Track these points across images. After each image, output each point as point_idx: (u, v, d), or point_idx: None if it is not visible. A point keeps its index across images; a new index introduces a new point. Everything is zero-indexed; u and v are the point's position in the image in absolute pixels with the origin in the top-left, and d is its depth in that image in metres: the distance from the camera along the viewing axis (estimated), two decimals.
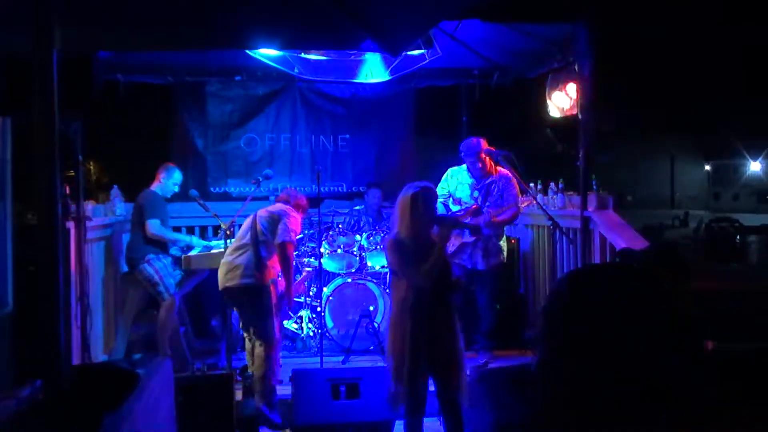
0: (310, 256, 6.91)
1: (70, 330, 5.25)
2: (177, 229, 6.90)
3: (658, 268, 2.70)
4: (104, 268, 6.46)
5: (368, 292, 6.76)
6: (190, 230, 7.38)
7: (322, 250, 6.69)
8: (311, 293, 6.88)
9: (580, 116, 5.90)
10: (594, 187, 5.95)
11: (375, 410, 5.06)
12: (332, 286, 6.76)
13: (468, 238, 5.99)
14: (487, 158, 6.07)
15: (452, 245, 5.91)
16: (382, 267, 6.96)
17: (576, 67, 5.91)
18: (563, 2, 5.72)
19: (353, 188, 8.21)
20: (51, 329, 2.55)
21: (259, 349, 5.41)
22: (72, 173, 5.55)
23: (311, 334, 6.81)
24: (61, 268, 2.59)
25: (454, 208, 6.11)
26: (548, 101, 6.89)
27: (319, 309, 6.61)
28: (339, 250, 6.86)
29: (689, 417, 2.37)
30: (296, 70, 6.92)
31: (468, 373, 4.20)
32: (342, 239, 6.89)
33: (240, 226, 5.73)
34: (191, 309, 6.78)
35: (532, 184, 6.87)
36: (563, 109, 6.69)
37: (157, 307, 6.37)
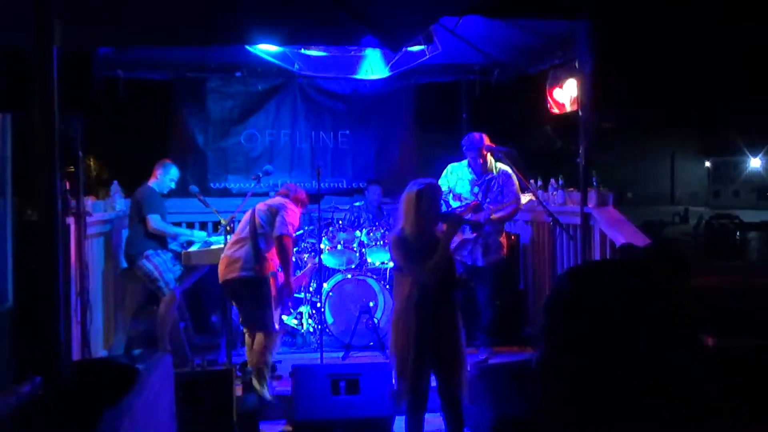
0: (310, 252, 6.91)
1: (70, 326, 5.26)
2: (177, 225, 6.91)
3: (658, 265, 2.69)
4: (104, 263, 6.46)
5: (368, 288, 6.76)
6: (190, 226, 7.37)
7: (322, 246, 6.69)
8: (311, 289, 6.89)
9: (580, 113, 5.89)
10: (594, 183, 5.95)
11: (375, 406, 5.07)
12: (332, 282, 6.76)
13: (468, 235, 5.99)
14: (488, 154, 6.07)
15: (453, 241, 5.91)
16: (382, 263, 6.96)
17: (576, 64, 5.91)
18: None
19: (353, 184, 8.21)
20: (51, 325, 2.55)
21: (259, 337, 5.45)
22: (72, 169, 5.55)
23: (311, 330, 6.82)
24: (61, 263, 2.60)
25: (454, 204, 6.11)
26: (549, 98, 6.89)
27: (319, 305, 6.62)
28: (339, 246, 6.87)
29: (689, 414, 2.37)
30: (296, 66, 6.92)
31: (468, 369, 4.22)
32: (342, 235, 6.90)
33: (240, 221, 5.76)
34: (191, 305, 6.79)
35: (532, 181, 6.87)
36: (564, 105, 6.68)
37: (157, 302, 6.38)
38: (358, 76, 7.11)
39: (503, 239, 6.23)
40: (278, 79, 7.95)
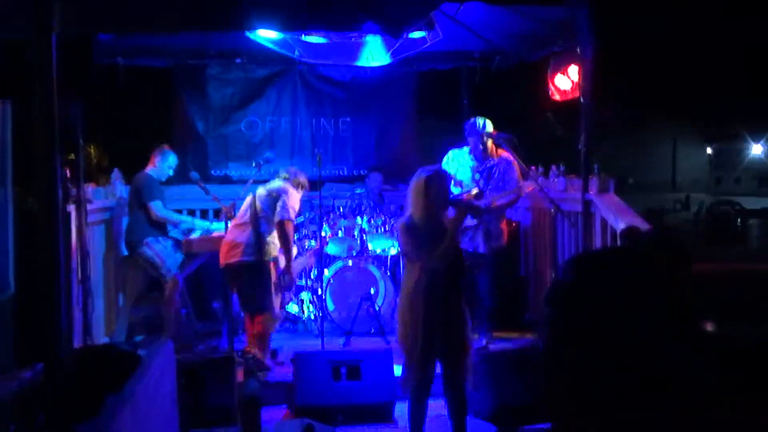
0: (311, 239, 6.92)
1: (71, 313, 5.27)
2: (178, 212, 6.92)
3: (659, 255, 2.70)
4: (105, 251, 6.47)
5: (369, 274, 6.77)
6: (191, 213, 7.38)
7: (323, 233, 6.69)
8: (312, 276, 6.90)
9: (581, 99, 5.88)
10: (595, 170, 5.94)
11: (376, 392, 5.09)
12: (333, 268, 6.77)
13: (469, 221, 5.99)
14: (489, 141, 6.07)
15: None
16: (383, 250, 6.97)
17: (578, 50, 5.88)
18: None
19: (354, 171, 8.20)
20: (52, 312, 2.56)
21: (257, 320, 5.51)
22: (72, 156, 5.55)
23: (312, 316, 6.84)
24: (62, 251, 2.60)
25: (455, 190, 6.11)
26: (550, 84, 6.86)
27: (320, 292, 6.63)
28: (340, 233, 6.87)
29: (689, 404, 2.38)
30: (297, 53, 6.89)
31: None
32: (343, 222, 6.90)
33: (241, 207, 5.80)
34: (192, 291, 6.80)
35: (533, 168, 6.86)
36: (565, 92, 6.66)
37: (158, 289, 6.40)
38: (358, 63, 7.08)
39: (504, 226, 6.23)
40: (278, 66, 7.93)
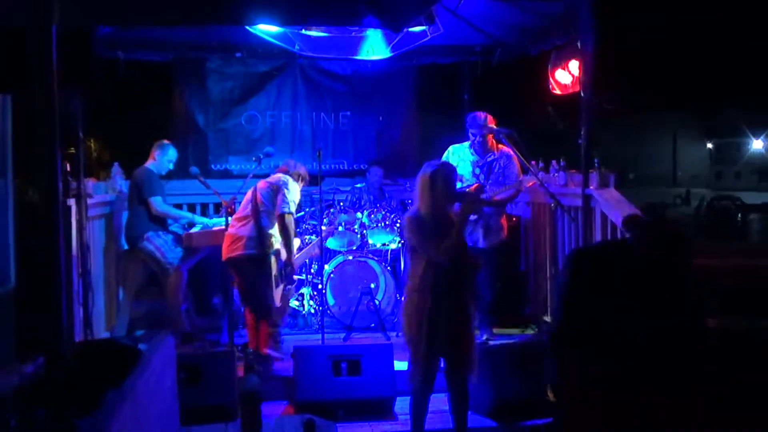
0: (311, 234, 6.92)
1: (72, 307, 5.27)
2: (178, 207, 6.91)
3: (659, 246, 2.69)
4: (105, 245, 6.46)
5: (369, 269, 6.77)
6: (191, 207, 7.38)
7: (323, 227, 6.69)
8: (312, 270, 6.90)
9: (582, 94, 5.86)
10: (596, 165, 5.93)
11: (376, 387, 5.09)
12: (333, 263, 6.77)
13: (471, 216, 5.98)
14: (490, 135, 6.06)
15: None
16: (383, 245, 6.97)
17: (579, 45, 5.87)
18: None
19: (354, 166, 8.19)
20: (53, 306, 2.55)
21: (254, 317, 5.54)
22: (73, 150, 5.54)
23: (312, 311, 6.84)
24: (63, 245, 2.59)
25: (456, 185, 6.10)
26: (550, 79, 6.85)
27: (320, 286, 6.63)
28: (340, 228, 6.87)
29: (691, 395, 2.37)
30: (297, 47, 6.88)
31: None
32: (343, 217, 6.90)
33: (241, 203, 5.80)
34: (193, 286, 6.80)
35: (533, 162, 6.85)
36: (566, 86, 6.65)
37: (158, 283, 6.40)
38: (359, 57, 7.07)
39: (504, 221, 6.22)
40: (279, 60, 7.91)
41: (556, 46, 6.70)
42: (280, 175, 5.76)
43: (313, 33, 6.62)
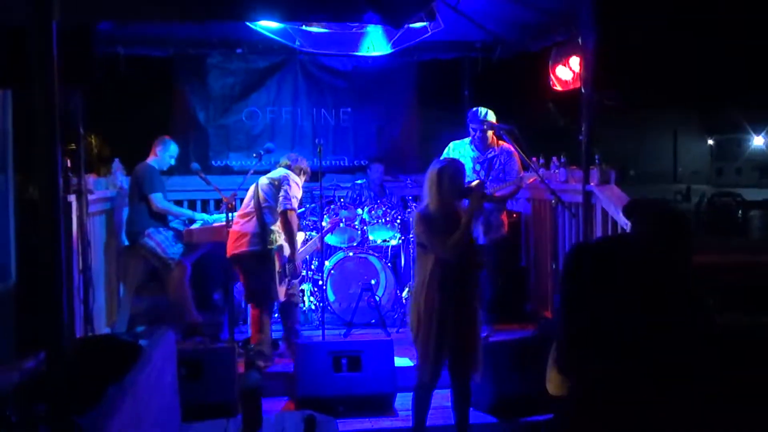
0: (311, 230, 6.92)
1: (72, 303, 5.28)
2: (179, 203, 6.91)
3: (660, 239, 2.67)
4: (106, 241, 6.47)
5: (370, 265, 6.78)
6: (192, 204, 7.39)
7: (323, 223, 6.69)
8: (313, 267, 6.90)
9: (582, 90, 5.86)
10: (596, 161, 5.93)
11: (376, 383, 5.10)
12: (334, 259, 6.77)
13: None
14: (490, 131, 6.05)
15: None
16: (384, 241, 6.97)
17: (579, 41, 5.86)
18: None
19: (355, 162, 8.19)
20: (53, 302, 2.55)
21: (256, 314, 5.57)
22: (73, 146, 5.54)
23: (313, 307, 6.84)
24: (63, 241, 2.59)
25: None
26: (551, 75, 6.84)
27: (320, 282, 6.63)
28: (341, 224, 6.87)
29: (691, 395, 2.37)
30: (297, 43, 6.87)
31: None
32: (344, 213, 6.89)
33: (242, 200, 5.81)
34: (193, 282, 6.80)
35: (534, 159, 6.85)
36: (566, 83, 6.64)
37: (159, 279, 6.40)
38: (359, 53, 7.06)
39: (504, 217, 6.22)
40: (279, 56, 7.90)
41: (556, 42, 6.69)
42: (281, 170, 5.76)
43: (314, 29, 6.62)
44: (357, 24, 6.44)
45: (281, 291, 5.65)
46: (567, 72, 6.58)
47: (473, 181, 5.94)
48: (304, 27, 6.56)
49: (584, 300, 2.51)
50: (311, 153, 7.85)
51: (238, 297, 6.32)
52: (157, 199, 6.20)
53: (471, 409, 4.34)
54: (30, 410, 2.66)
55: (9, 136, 4.51)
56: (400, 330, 6.47)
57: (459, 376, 4.16)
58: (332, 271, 6.69)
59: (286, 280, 5.72)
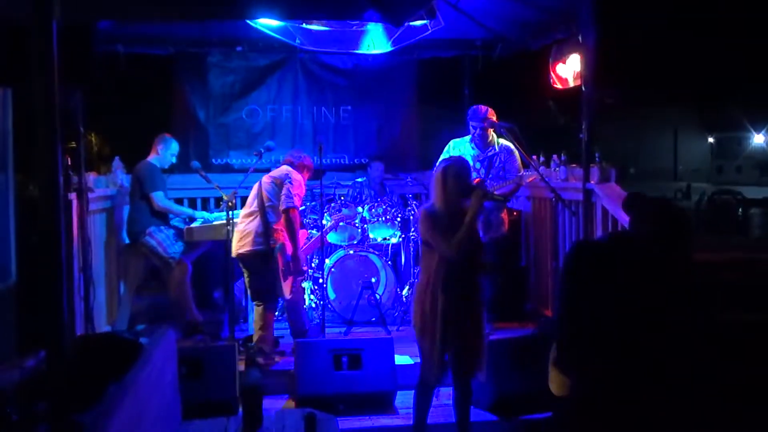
0: (311, 228, 6.92)
1: (73, 301, 5.29)
2: (179, 201, 6.91)
3: (661, 222, 2.66)
4: (106, 239, 6.47)
5: (370, 263, 6.78)
6: (192, 202, 7.39)
7: (324, 222, 6.69)
8: (313, 265, 6.90)
9: (583, 88, 5.86)
10: (597, 159, 5.93)
11: (377, 381, 5.10)
12: (334, 257, 6.78)
13: None
14: (490, 129, 6.06)
15: None
16: (384, 239, 6.97)
17: (580, 39, 5.86)
18: None
19: (355, 160, 8.18)
20: (54, 300, 2.56)
21: (260, 310, 5.59)
22: (73, 145, 5.54)
23: (313, 305, 6.84)
24: (64, 239, 2.59)
25: None
26: (551, 73, 6.84)
27: (321, 280, 6.63)
28: (341, 222, 6.87)
29: (691, 394, 2.37)
30: (298, 41, 6.87)
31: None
32: (344, 211, 6.90)
33: (242, 198, 5.82)
34: (194, 281, 6.80)
35: (534, 157, 6.85)
36: (567, 81, 6.64)
37: (159, 278, 6.40)
38: (359, 51, 7.06)
39: (505, 215, 6.22)
40: (279, 54, 7.90)
41: (557, 40, 6.69)
42: (284, 168, 5.77)
43: (314, 27, 6.61)
44: (357, 22, 6.44)
45: (286, 289, 5.66)
46: (567, 70, 6.58)
47: (473, 179, 5.95)
48: (304, 25, 6.56)
49: (584, 298, 2.50)
50: (312, 151, 7.83)
51: (239, 295, 6.32)
52: (159, 198, 6.20)
53: (471, 407, 4.34)
54: (31, 408, 2.66)
55: (9, 135, 4.50)
56: (401, 328, 6.48)
57: (462, 375, 4.16)
58: (332, 269, 6.69)
59: (290, 278, 5.73)
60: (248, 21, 6.24)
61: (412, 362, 5.39)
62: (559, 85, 6.78)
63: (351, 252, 6.77)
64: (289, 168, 5.75)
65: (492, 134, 6.09)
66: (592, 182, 5.86)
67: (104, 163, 8.40)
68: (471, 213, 4.06)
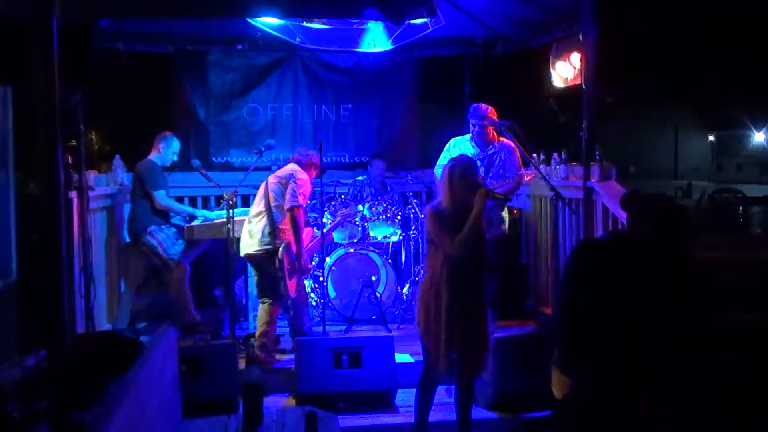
0: (312, 226, 6.92)
1: (73, 299, 5.28)
2: (179, 199, 6.90)
3: (662, 219, 2.65)
4: (107, 237, 6.47)
5: (371, 262, 6.78)
6: (192, 200, 7.38)
7: (324, 220, 6.69)
8: (314, 263, 6.90)
9: (583, 86, 5.85)
10: (597, 157, 5.93)
11: (377, 379, 5.10)
12: (335, 256, 6.78)
13: None
14: (490, 127, 6.05)
15: None
16: (385, 237, 6.97)
17: (580, 37, 5.85)
18: None
19: (356, 158, 8.17)
20: (55, 298, 2.56)
21: (266, 306, 5.62)
22: (74, 143, 5.54)
23: (314, 303, 6.84)
24: (64, 237, 2.60)
25: None
26: (552, 71, 6.84)
27: (321, 279, 6.64)
28: (346, 219, 6.86)
29: (691, 393, 2.37)
30: (298, 39, 6.86)
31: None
32: (345, 209, 6.89)
33: (242, 196, 5.82)
34: (194, 279, 6.80)
35: (534, 155, 6.85)
36: (567, 79, 6.64)
37: (160, 276, 6.40)
38: (360, 50, 7.06)
39: (505, 214, 6.22)
40: (280, 53, 7.89)
41: (557, 38, 6.69)
42: (290, 167, 5.77)
43: (315, 25, 6.61)
44: (358, 20, 6.43)
45: (291, 288, 5.67)
46: (568, 68, 6.57)
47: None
48: (304, 23, 6.55)
49: (585, 297, 2.50)
50: (312, 149, 7.85)
51: (239, 294, 6.32)
52: (160, 197, 6.19)
53: (473, 405, 4.35)
54: (31, 407, 2.66)
55: (10, 134, 4.50)
56: (401, 326, 6.48)
57: (465, 374, 4.16)
58: (333, 268, 6.69)
59: (296, 276, 5.74)
60: (249, 19, 6.23)
61: (413, 360, 5.40)
62: (559, 84, 6.77)
63: (351, 250, 6.77)
64: (296, 167, 5.76)
65: (492, 132, 6.09)
66: (592, 180, 5.85)
67: (105, 161, 8.40)
68: (475, 212, 4.07)
